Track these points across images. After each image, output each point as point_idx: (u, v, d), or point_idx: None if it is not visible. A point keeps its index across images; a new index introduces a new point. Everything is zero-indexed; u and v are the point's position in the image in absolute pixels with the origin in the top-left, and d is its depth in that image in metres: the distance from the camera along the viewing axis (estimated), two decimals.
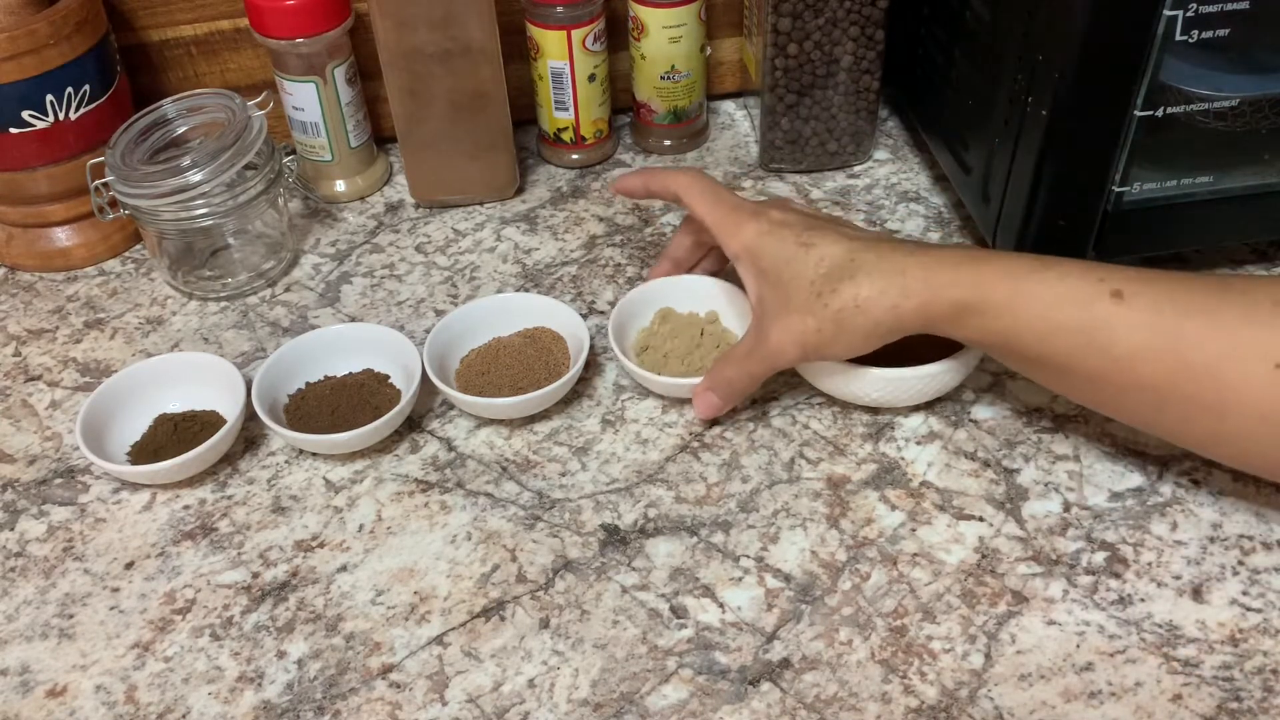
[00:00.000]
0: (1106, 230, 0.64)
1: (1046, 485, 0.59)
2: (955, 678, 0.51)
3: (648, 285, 0.67)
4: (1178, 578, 0.54)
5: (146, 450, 0.62)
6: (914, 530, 0.57)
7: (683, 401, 0.64)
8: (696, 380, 0.62)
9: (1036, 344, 0.51)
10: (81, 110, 0.72)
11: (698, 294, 0.67)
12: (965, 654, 0.51)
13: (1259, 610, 0.52)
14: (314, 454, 0.63)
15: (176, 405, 0.65)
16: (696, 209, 0.60)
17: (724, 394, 0.60)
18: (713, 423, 0.63)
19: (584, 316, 0.66)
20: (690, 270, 0.68)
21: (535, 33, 0.77)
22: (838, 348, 0.55)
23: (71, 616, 0.56)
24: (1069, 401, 0.62)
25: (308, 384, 0.65)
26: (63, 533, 0.60)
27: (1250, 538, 0.56)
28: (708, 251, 0.67)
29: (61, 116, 0.72)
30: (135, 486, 0.62)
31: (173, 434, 0.63)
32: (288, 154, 0.75)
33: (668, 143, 0.84)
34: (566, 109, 0.80)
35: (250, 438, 0.64)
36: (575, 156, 0.83)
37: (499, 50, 0.73)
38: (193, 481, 0.62)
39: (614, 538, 0.58)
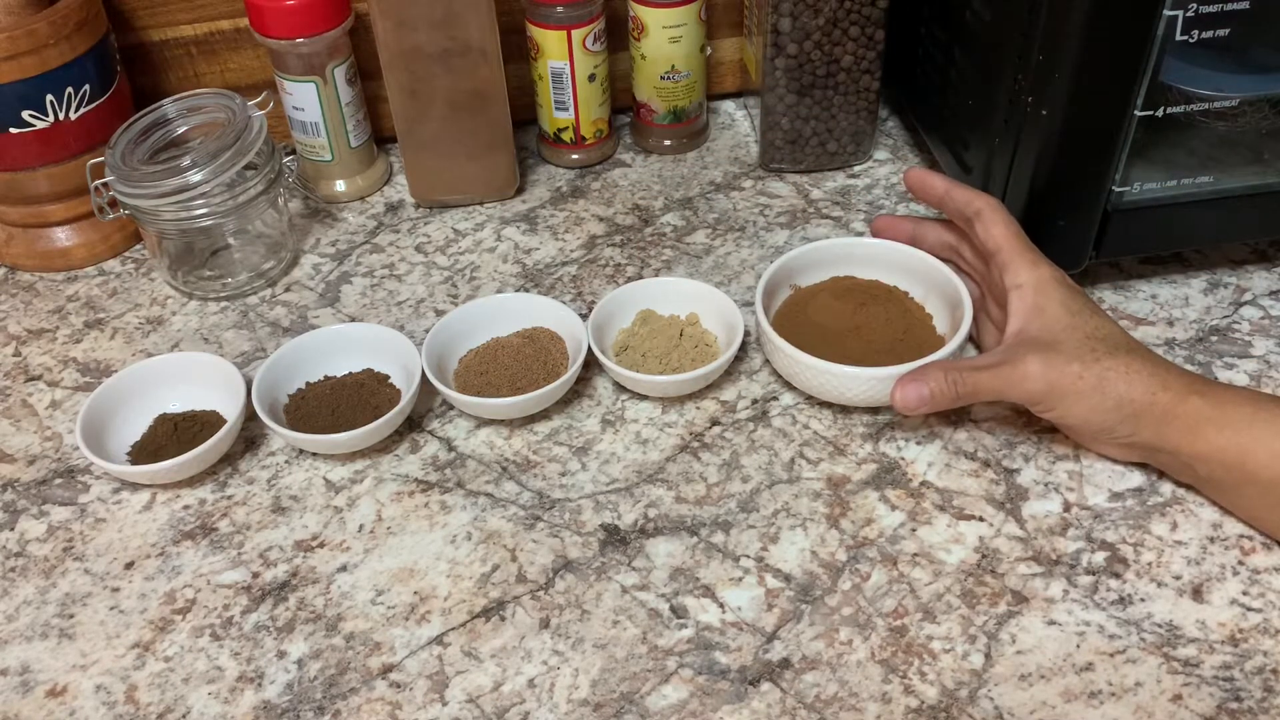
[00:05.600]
0: (1106, 230, 0.64)
1: (1046, 485, 0.59)
2: (955, 678, 0.51)
3: (629, 286, 0.68)
4: (1178, 578, 0.54)
5: (146, 450, 0.62)
6: (914, 530, 0.57)
7: (680, 401, 0.64)
8: (671, 378, 0.62)
9: (1271, 462, 0.53)
10: (81, 110, 0.72)
11: (679, 296, 0.68)
12: (965, 654, 0.51)
13: (1259, 610, 0.52)
14: (314, 454, 0.63)
15: (176, 405, 0.65)
16: (994, 230, 0.60)
17: (941, 390, 0.57)
18: (713, 423, 0.63)
19: (583, 317, 0.66)
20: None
21: (535, 33, 0.77)
22: (1080, 404, 0.55)
23: (71, 616, 0.56)
24: None
25: (308, 384, 0.65)
26: (63, 533, 0.60)
27: (1250, 538, 0.56)
28: (950, 260, 0.67)
29: (61, 116, 0.72)
30: (135, 486, 0.62)
31: (173, 434, 0.63)
32: (288, 154, 0.75)
33: (668, 143, 0.84)
34: (566, 109, 0.80)
35: (250, 438, 0.64)
36: (575, 156, 0.83)
37: (499, 50, 0.73)
38: (193, 481, 0.62)
39: (614, 538, 0.58)
